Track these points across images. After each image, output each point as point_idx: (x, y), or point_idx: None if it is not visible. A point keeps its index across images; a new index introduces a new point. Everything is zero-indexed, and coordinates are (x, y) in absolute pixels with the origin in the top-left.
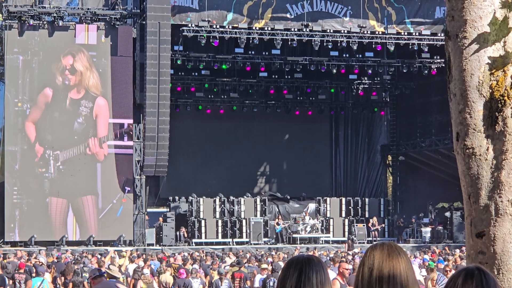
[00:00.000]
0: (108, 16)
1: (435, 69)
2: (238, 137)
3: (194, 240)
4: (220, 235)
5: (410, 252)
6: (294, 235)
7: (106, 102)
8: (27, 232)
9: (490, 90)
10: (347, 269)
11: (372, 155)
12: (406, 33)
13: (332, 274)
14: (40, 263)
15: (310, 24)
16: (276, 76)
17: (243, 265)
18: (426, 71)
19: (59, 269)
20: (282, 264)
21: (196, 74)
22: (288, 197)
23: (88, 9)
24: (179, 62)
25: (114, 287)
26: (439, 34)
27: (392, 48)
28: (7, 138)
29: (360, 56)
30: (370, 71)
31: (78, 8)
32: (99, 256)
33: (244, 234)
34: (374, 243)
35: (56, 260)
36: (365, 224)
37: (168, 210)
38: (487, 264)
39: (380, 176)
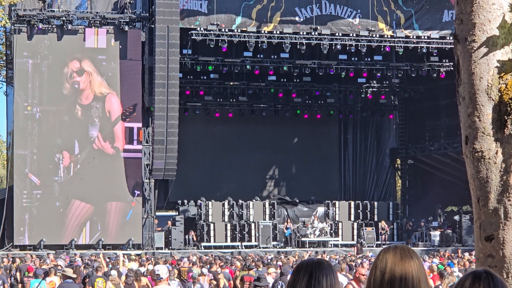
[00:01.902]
0: (117, 20)
1: (443, 73)
2: (247, 140)
3: (203, 244)
4: (229, 238)
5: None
6: (303, 239)
7: (117, 98)
8: (36, 235)
9: (499, 94)
10: (363, 275)
11: (381, 159)
12: (414, 37)
13: (341, 278)
14: (59, 266)
15: (319, 27)
16: (285, 80)
17: (253, 269)
18: (435, 75)
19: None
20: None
21: (205, 77)
22: (297, 200)
23: (97, 13)
24: (187, 64)
25: None
26: (447, 38)
27: (401, 52)
28: (16, 141)
29: (369, 59)
30: (379, 75)
31: (87, 12)
32: (107, 260)
33: (253, 238)
34: (387, 246)
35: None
36: (374, 228)
37: (177, 213)
38: (496, 267)
39: (389, 179)
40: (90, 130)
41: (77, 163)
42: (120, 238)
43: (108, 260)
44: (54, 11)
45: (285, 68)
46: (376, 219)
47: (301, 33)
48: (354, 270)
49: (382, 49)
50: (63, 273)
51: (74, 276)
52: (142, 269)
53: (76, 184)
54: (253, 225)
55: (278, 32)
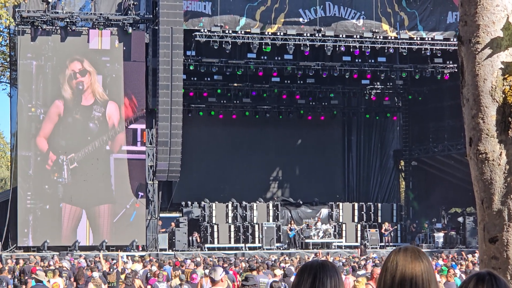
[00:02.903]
0: (121, 22)
1: (447, 74)
2: (250, 142)
3: (206, 245)
4: (232, 240)
5: None
6: (307, 240)
7: (116, 106)
8: (40, 237)
9: (503, 95)
10: None
11: (384, 160)
12: (418, 38)
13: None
14: (64, 268)
15: (322, 29)
16: (289, 81)
17: (257, 270)
18: (438, 76)
19: None
20: (293, 270)
21: (209, 79)
22: (301, 202)
23: (100, 14)
24: (191, 67)
25: None
26: (451, 39)
27: (405, 53)
28: (20, 143)
29: (373, 61)
30: (382, 76)
31: (91, 13)
32: (111, 262)
33: (256, 239)
34: (398, 247)
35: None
36: (377, 229)
37: (181, 215)
38: (500, 269)
39: (392, 181)
40: (93, 131)
41: (81, 165)
42: (124, 239)
43: (113, 261)
44: (58, 12)
45: (288, 69)
46: (379, 220)
47: (305, 34)
48: (371, 271)
49: (386, 50)
50: (35, 277)
51: (46, 279)
52: (141, 271)
53: (80, 185)
54: (256, 226)
55: (282, 33)
